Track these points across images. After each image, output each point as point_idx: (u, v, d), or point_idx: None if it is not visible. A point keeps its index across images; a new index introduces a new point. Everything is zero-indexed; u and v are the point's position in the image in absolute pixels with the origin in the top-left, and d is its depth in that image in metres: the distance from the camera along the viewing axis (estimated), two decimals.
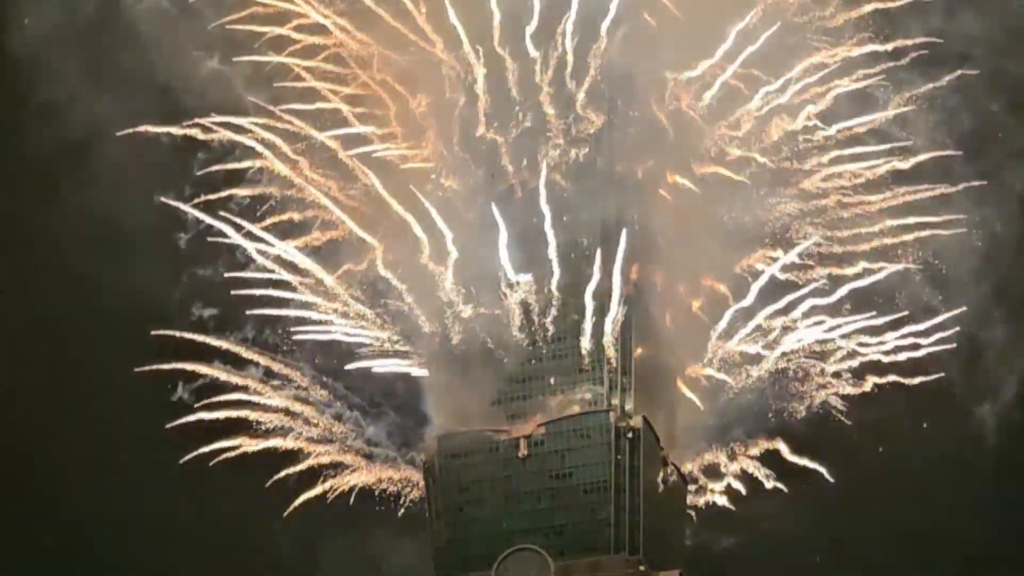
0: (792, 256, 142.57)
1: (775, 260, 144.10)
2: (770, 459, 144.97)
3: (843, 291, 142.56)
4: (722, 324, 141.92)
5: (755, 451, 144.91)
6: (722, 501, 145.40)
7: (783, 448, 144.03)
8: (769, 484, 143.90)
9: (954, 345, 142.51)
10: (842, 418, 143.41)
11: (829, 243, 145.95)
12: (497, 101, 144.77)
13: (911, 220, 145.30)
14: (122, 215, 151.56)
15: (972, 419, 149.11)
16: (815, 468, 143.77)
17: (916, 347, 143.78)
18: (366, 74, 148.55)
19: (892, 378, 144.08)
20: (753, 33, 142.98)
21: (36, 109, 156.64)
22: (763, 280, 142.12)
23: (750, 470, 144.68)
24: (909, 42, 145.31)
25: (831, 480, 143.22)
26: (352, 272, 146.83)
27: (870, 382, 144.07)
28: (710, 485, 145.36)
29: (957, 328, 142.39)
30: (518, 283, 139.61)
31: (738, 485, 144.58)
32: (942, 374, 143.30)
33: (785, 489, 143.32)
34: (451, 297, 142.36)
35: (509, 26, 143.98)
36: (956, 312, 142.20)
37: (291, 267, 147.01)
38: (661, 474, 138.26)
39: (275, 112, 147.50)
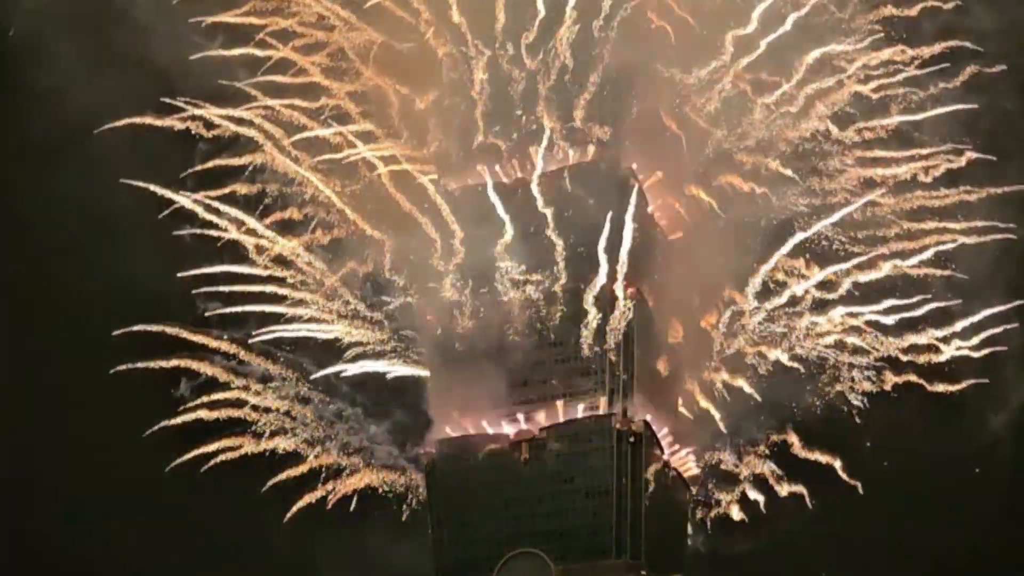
0: (788, 248, 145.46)
1: (793, 268, 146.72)
2: (780, 462, 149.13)
3: (847, 284, 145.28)
4: (722, 326, 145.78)
5: (765, 452, 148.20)
6: (736, 513, 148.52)
7: (795, 442, 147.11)
8: (783, 491, 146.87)
9: (1005, 348, 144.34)
10: (856, 417, 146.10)
11: (843, 241, 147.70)
12: (500, 102, 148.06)
13: (931, 225, 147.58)
14: (115, 205, 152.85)
15: (989, 427, 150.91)
16: (823, 475, 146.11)
17: (938, 351, 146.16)
18: (368, 71, 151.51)
19: (918, 381, 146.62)
20: (765, 36, 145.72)
21: (25, 96, 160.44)
22: (758, 280, 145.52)
23: (758, 470, 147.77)
24: (937, 47, 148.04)
25: (844, 478, 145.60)
26: (353, 271, 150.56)
27: (890, 381, 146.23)
28: (723, 496, 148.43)
29: (1003, 328, 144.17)
30: (522, 287, 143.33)
31: (755, 495, 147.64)
32: (986, 380, 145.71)
33: (807, 495, 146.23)
34: (455, 298, 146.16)
35: (513, 26, 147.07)
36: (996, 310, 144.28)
37: (289, 264, 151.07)
38: (663, 479, 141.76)
39: (275, 106, 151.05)
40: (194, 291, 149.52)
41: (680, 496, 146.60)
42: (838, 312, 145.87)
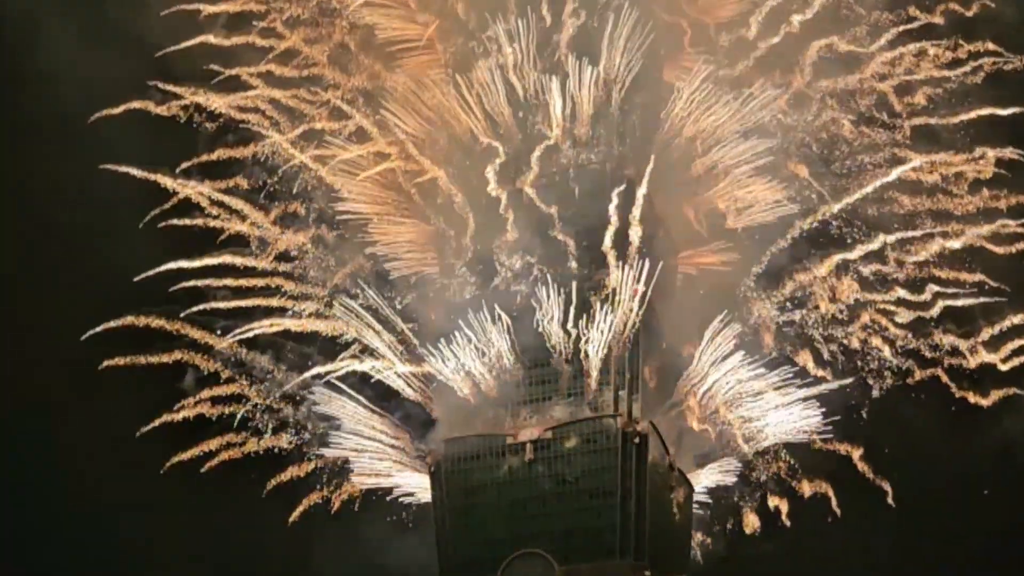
0: (787, 242, 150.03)
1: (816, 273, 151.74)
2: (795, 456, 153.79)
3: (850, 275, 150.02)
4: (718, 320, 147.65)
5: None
6: (750, 525, 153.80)
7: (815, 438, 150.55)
8: (806, 490, 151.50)
9: None
10: (864, 413, 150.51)
11: (859, 233, 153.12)
12: (503, 103, 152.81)
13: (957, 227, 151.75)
14: (107, 193, 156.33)
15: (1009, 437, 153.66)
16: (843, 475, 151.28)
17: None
18: (372, 63, 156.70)
19: (945, 381, 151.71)
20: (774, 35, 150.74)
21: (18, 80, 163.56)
22: (756, 273, 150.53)
23: (773, 469, 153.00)
24: (963, 52, 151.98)
25: (870, 477, 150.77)
26: (359, 266, 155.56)
27: (917, 375, 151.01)
28: (741, 502, 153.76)
29: None
30: (528, 284, 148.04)
31: (775, 502, 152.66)
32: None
33: (833, 498, 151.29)
34: (460, 296, 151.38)
35: (517, 26, 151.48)
36: None
37: (292, 258, 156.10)
38: (668, 480, 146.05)
39: (277, 96, 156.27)
40: (180, 285, 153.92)
41: (685, 497, 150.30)
42: (851, 288, 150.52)
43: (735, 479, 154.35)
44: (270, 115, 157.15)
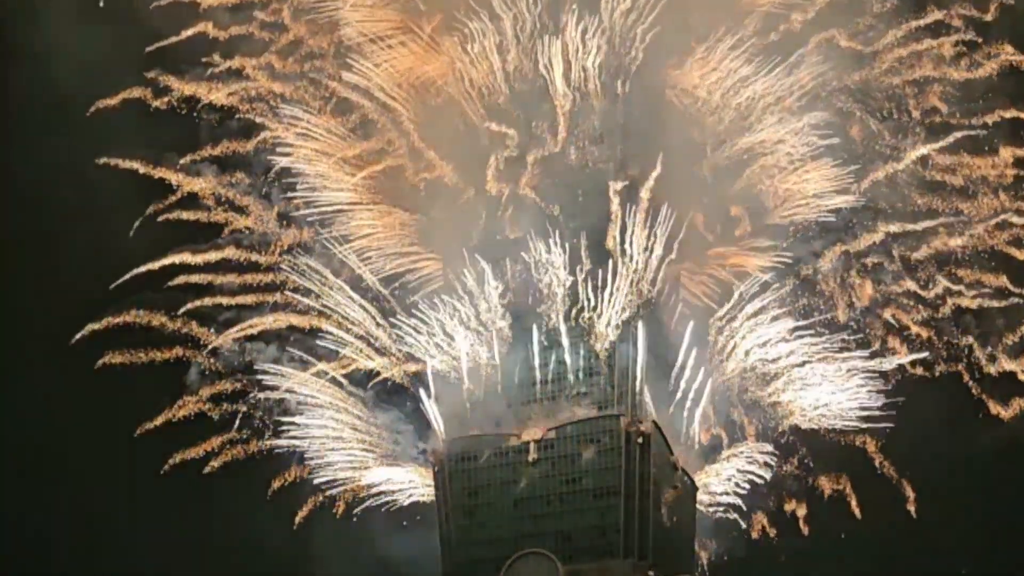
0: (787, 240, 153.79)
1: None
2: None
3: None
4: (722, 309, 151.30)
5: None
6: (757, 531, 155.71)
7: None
8: (826, 487, 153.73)
9: None
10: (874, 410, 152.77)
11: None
12: (508, 102, 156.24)
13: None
14: (113, 184, 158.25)
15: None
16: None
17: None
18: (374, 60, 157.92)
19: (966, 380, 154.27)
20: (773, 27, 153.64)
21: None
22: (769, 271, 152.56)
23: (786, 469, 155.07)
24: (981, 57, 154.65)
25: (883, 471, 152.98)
26: (359, 266, 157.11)
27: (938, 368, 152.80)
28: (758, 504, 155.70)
29: None
30: (534, 282, 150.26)
31: (792, 507, 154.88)
32: None
33: (854, 500, 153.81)
34: (465, 296, 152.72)
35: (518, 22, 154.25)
36: None
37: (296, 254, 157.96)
38: (672, 479, 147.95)
39: (281, 92, 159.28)
40: (180, 280, 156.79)
41: (689, 497, 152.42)
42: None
43: (743, 477, 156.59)
44: (273, 104, 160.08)
